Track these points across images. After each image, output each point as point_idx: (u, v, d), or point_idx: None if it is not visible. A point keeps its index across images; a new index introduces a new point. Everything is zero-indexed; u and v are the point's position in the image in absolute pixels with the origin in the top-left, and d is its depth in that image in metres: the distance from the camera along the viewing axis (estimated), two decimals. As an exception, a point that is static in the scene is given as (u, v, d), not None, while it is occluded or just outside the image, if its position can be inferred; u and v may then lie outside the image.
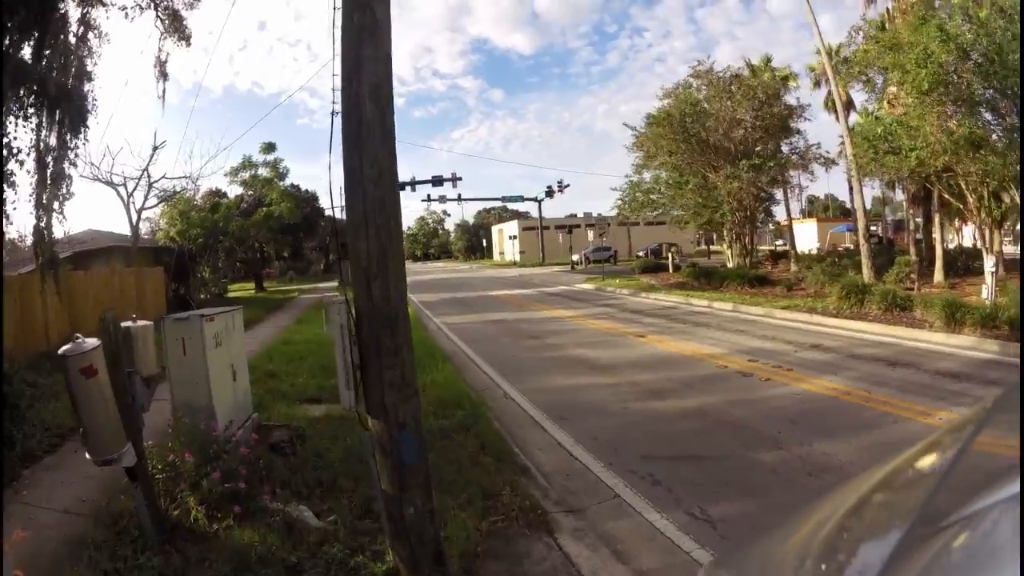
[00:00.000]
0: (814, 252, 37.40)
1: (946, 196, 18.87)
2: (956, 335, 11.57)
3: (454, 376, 10.19)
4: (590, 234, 59.01)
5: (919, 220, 25.49)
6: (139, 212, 24.07)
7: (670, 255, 34.27)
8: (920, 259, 20.95)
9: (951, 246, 30.88)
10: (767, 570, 1.13)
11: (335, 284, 40.10)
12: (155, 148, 23.62)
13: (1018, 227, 18.39)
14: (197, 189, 27.38)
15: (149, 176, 24.02)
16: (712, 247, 58.11)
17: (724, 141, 26.81)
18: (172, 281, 24.19)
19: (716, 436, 7.34)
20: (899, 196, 39.20)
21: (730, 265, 29.46)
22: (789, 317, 15.86)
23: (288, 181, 38.95)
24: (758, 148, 27.33)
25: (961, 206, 18.57)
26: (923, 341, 11.81)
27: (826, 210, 76.31)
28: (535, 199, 69.29)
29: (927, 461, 1.14)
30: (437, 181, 50.82)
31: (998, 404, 1.18)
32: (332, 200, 4.30)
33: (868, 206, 43.61)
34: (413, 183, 50.72)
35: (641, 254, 55.21)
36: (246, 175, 33.39)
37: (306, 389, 9.55)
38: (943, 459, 1.08)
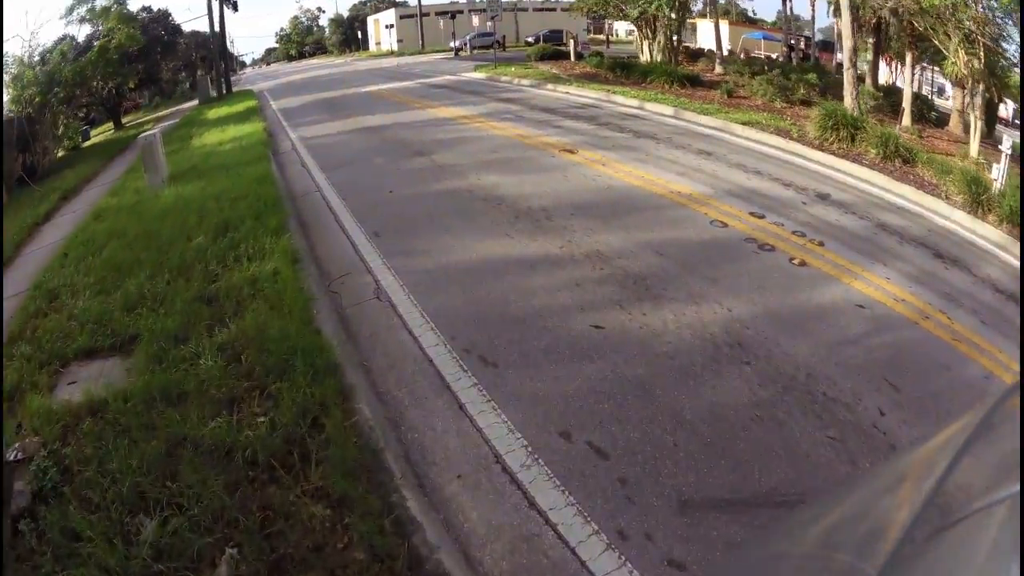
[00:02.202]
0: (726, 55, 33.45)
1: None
2: (982, 222, 8.59)
3: (289, 271, 5.48)
4: (475, 20, 52.91)
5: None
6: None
7: (572, 41, 29.10)
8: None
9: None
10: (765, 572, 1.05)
11: (196, 104, 33.53)
12: None
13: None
14: (35, 47, 21.97)
15: None
16: (611, 37, 52.93)
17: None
18: (19, 155, 19.21)
19: (791, 424, 3.67)
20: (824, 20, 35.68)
21: (643, 59, 25.10)
22: (757, 138, 11.99)
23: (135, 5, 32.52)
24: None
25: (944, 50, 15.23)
26: (947, 219, 8.64)
27: (726, 14, 71.95)
28: (414, -14, 62.77)
29: (926, 461, 1.01)
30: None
31: (999, 402, 1.00)
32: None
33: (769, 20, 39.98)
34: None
35: (531, 40, 49.50)
36: (82, 10, 26.05)
37: (84, 325, 4.96)
38: (943, 458, 0.92)
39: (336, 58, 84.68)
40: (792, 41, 39.95)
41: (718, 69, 23.48)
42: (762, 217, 7.21)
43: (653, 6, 20.90)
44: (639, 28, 25.56)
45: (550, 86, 19.54)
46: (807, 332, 4.69)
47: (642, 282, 5.35)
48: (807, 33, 40.30)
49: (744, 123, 12.71)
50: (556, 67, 25.10)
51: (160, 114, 36.69)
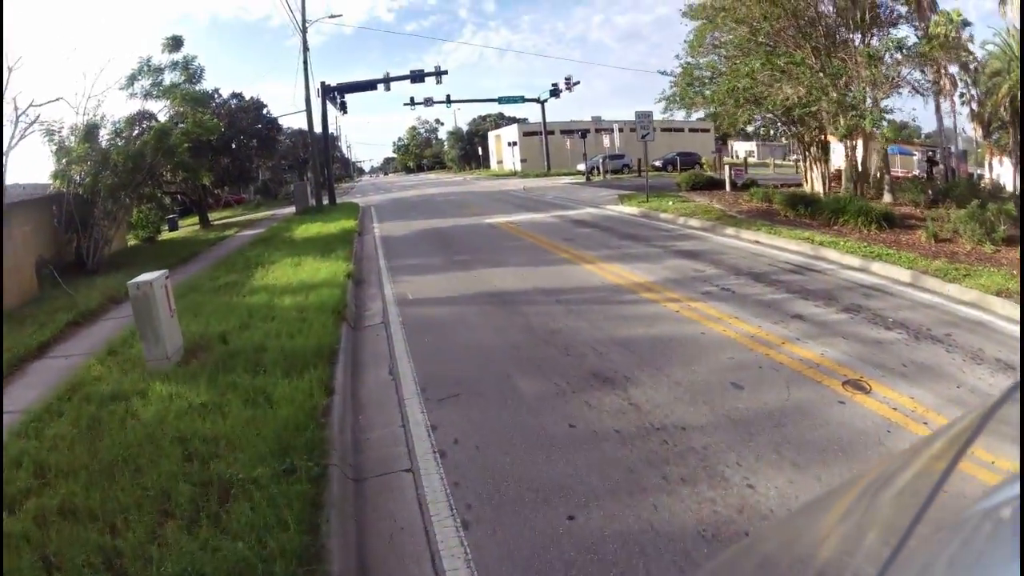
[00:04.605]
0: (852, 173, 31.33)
1: None
2: None
3: None
4: (606, 140, 52.75)
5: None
6: (3, 155, 16.58)
7: (727, 168, 27.28)
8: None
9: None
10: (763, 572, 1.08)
11: (292, 211, 33.34)
12: (9, 69, 16.41)
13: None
14: (91, 114, 20.04)
15: (16, 108, 17.20)
16: (744, 160, 51.44)
17: (850, 8, 19.24)
18: (73, 236, 18.41)
19: None
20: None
21: (807, 188, 22.85)
22: (1024, 318, 9.05)
23: (223, 88, 33.10)
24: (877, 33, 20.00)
25: None
26: None
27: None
28: (537, 100, 63.28)
29: (926, 461, 1.02)
30: (417, 77, 45.25)
31: (999, 403, 1.00)
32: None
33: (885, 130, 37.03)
34: (387, 80, 43.99)
35: (658, 164, 48.26)
36: (146, 82, 22.78)
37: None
38: (943, 458, 0.95)
39: (454, 174, 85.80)
40: (930, 154, 37.19)
41: (887, 198, 20.95)
42: None
43: (866, 120, 18.33)
44: (804, 150, 23.42)
45: (730, 230, 17.20)
46: None
47: None
48: (945, 145, 37.68)
49: (996, 292, 9.94)
50: (716, 199, 23.14)
51: (255, 216, 36.26)
